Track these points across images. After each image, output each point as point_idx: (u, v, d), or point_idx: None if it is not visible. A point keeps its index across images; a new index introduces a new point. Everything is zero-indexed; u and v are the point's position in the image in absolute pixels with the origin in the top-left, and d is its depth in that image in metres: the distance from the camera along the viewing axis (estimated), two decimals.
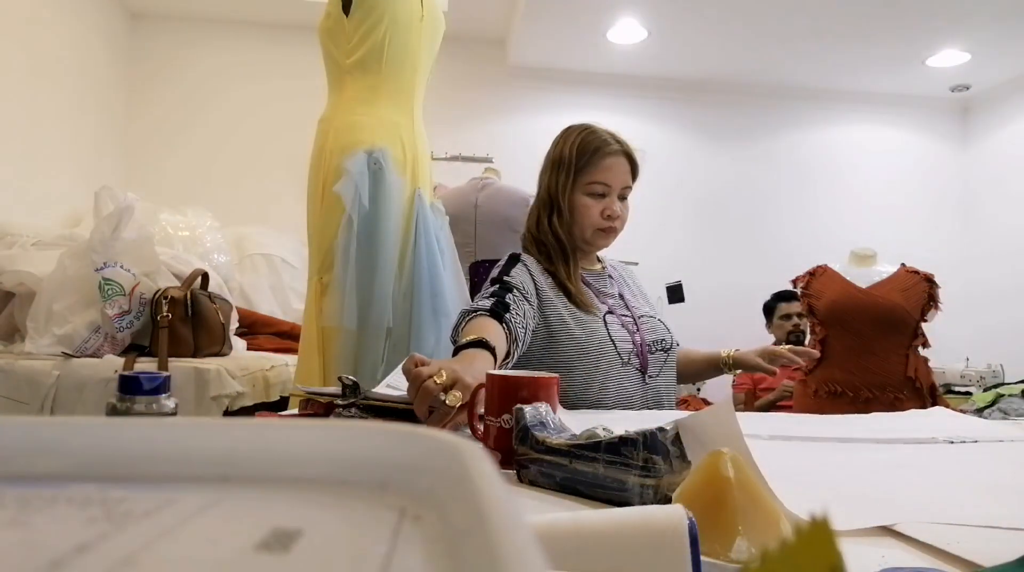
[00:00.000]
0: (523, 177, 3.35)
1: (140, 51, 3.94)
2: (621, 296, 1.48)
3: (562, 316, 1.35)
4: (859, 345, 2.47)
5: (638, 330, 1.41)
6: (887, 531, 0.54)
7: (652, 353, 1.41)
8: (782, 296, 3.45)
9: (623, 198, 1.45)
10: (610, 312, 1.41)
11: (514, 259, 1.42)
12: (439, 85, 2.37)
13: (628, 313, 1.44)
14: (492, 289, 1.30)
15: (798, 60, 4.09)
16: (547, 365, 1.33)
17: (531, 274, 1.38)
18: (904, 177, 4.62)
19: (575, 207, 1.42)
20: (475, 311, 1.22)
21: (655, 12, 3.60)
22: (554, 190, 1.45)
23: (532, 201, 2.84)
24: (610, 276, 1.52)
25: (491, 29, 4.10)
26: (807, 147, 4.55)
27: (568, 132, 1.48)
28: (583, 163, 1.42)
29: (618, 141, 1.44)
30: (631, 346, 1.38)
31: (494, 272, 1.40)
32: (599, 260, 1.54)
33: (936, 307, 2.43)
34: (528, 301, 1.31)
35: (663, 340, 1.44)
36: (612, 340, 1.36)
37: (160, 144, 3.92)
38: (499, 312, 1.22)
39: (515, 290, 1.29)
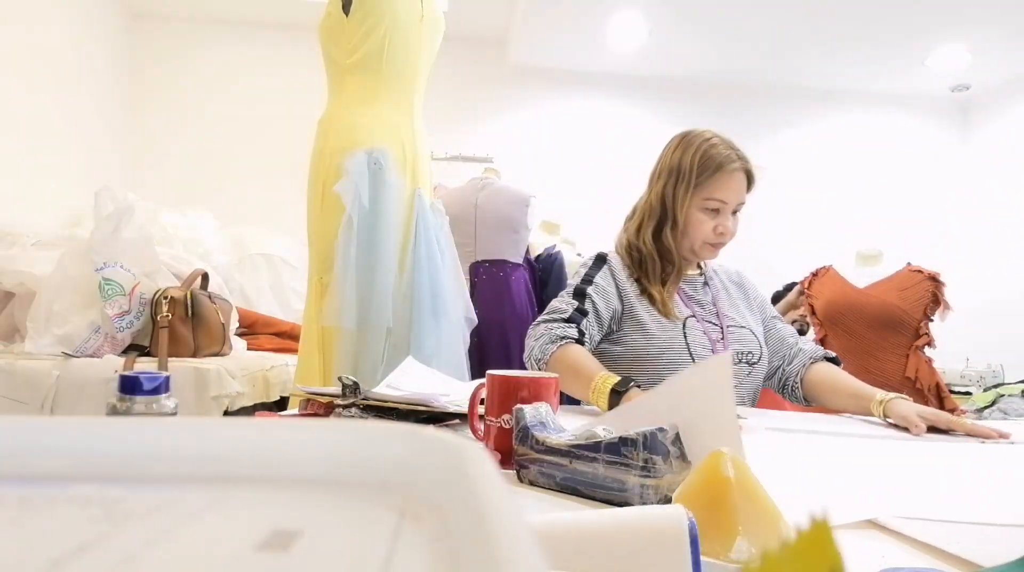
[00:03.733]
0: (523, 177, 3.36)
1: (140, 51, 3.94)
2: (714, 303, 1.44)
3: (641, 319, 1.35)
4: (856, 345, 2.47)
5: (723, 339, 1.38)
6: (886, 530, 0.54)
7: (735, 364, 1.36)
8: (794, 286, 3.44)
9: (735, 212, 1.43)
10: (692, 316, 1.38)
11: (601, 260, 1.42)
12: (439, 85, 2.37)
13: (716, 321, 1.40)
14: (573, 300, 1.34)
15: (798, 60, 4.10)
16: (621, 361, 1.34)
17: (614, 277, 1.39)
18: (904, 177, 4.62)
19: (689, 221, 1.39)
20: (562, 338, 1.27)
21: (655, 12, 3.60)
22: (669, 201, 1.39)
23: (532, 201, 2.82)
24: (706, 283, 1.47)
25: (491, 29, 4.10)
26: (806, 147, 4.55)
27: (689, 140, 1.41)
28: (704, 178, 1.37)
29: (739, 156, 1.39)
30: (710, 354, 1.35)
31: (580, 270, 1.41)
32: (699, 266, 1.50)
33: (945, 307, 2.42)
34: (606, 303, 1.35)
35: (750, 353, 1.39)
36: (688, 345, 1.34)
37: (160, 144, 3.92)
38: (581, 331, 1.29)
39: (591, 299, 1.34)
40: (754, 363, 1.40)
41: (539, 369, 1.24)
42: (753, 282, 1.58)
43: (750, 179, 1.40)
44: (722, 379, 0.64)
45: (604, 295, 1.36)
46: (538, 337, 1.29)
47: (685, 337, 1.35)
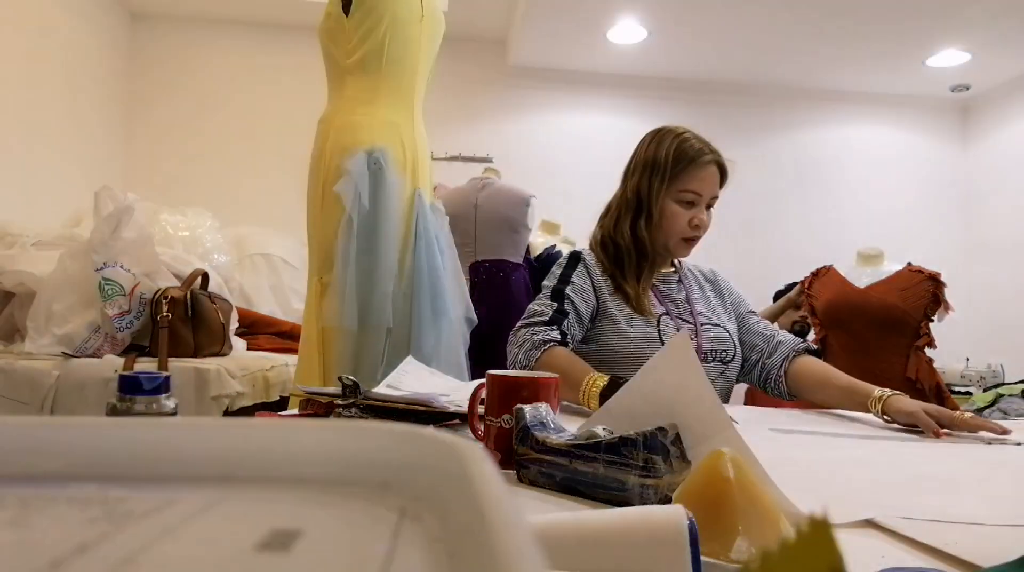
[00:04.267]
0: (523, 177, 3.35)
1: (140, 51, 3.95)
2: (688, 301, 1.43)
3: (614, 318, 1.35)
4: (857, 345, 2.47)
5: (696, 337, 1.37)
6: (886, 530, 0.54)
7: (707, 362, 1.36)
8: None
9: (709, 207, 1.42)
10: (666, 314, 1.38)
11: (575, 259, 1.42)
12: (439, 85, 2.36)
13: (690, 319, 1.40)
14: (552, 302, 1.34)
15: (798, 60, 4.10)
16: (594, 360, 1.33)
17: (590, 274, 1.39)
18: (904, 177, 4.62)
19: (664, 214, 1.39)
20: (546, 342, 1.26)
21: (655, 12, 3.60)
22: (645, 194, 1.40)
23: (532, 201, 2.82)
24: (681, 281, 1.47)
25: (491, 29, 4.10)
26: (806, 147, 4.55)
27: (662, 135, 1.43)
28: (679, 170, 1.38)
29: (712, 150, 1.40)
30: None
31: (556, 271, 1.41)
32: (674, 264, 1.50)
33: (945, 307, 2.42)
34: (585, 302, 1.35)
35: (724, 351, 1.39)
36: (662, 343, 1.33)
37: (160, 144, 3.92)
38: (563, 332, 1.29)
39: (569, 299, 1.33)
40: (728, 361, 1.39)
41: None
42: (728, 280, 1.58)
43: (723, 173, 1.42)
44: (687, 356, 0.66)
45: (582, 294, 1.36)
46: (520, 343, 1.29)
47: (659, 335, 1.34)
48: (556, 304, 1.33)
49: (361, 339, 1.63)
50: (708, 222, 1.41)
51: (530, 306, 1.36)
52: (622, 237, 1.41)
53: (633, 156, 1.47)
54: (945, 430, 1.08)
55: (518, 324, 1.34)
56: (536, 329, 1.29)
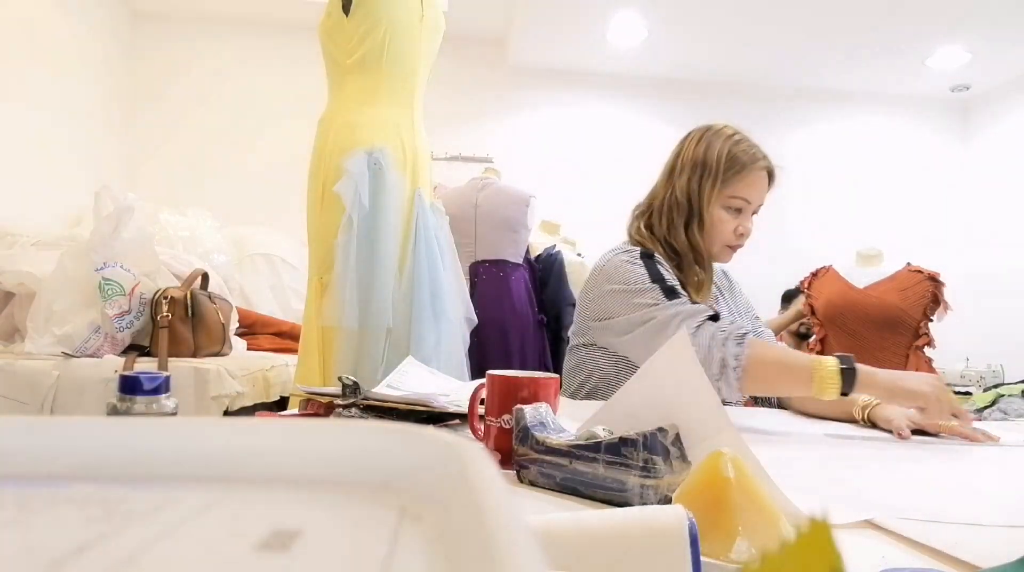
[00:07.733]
0: (523, 177, 3.35)
1: (142, 50, 3.95)
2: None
3: None
4: (856, 345, 2.47)
5: None
6: (885, 531, 0.54)
7: None
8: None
9: (754, 213, 1.36)
10: None
11: (650, 257, 1.29)
12: (439, 85, 2.36)
13: None
14: (680, 297, 1.21)
15: (798, 60, 4.10)
16: (634, 369, 1.26)
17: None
18: (904, 177, 4.62)
19: (712, 220, 1.32)
20: (743, 336, 1.14)
21: (655, 12, 3.60)
22: (695, 197, 1.32)
23: (532, 201, 2.81)
24: (710, 292, 1.42)
25: (491, 29, 4.10)
26: (807, 147, 4.55)
27: (712, 136, 1.35)
28: (731, 175, 1.31)
29: (764, 155, 1.34)
30: None
31: (640, 272, 1.25)
32: None
33: (944, 307, 2.42)
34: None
35: None
36: None
37: (161, 144, 3.92)
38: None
39: (685, 292, 1.23)
40: None
41: (735, 379, 1.10)
42: (738, 281, 1.54)
43: (771, 179, 1.36)
44: (687, 356, 0.66)
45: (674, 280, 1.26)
46: (712, 346, 1.12)
47: None
48: (685, 295, 1.21)
49: (361, 339, 1.63)
50: (751, 230, 1.35)
51: (675, 307, 1.19)
52: (680, 242, 1.33)
53: (678, 155, 1.38)
54: (907, 434, 1.06)
55: (685, 326, 1.13)
56: (714, 325, 1.15)
